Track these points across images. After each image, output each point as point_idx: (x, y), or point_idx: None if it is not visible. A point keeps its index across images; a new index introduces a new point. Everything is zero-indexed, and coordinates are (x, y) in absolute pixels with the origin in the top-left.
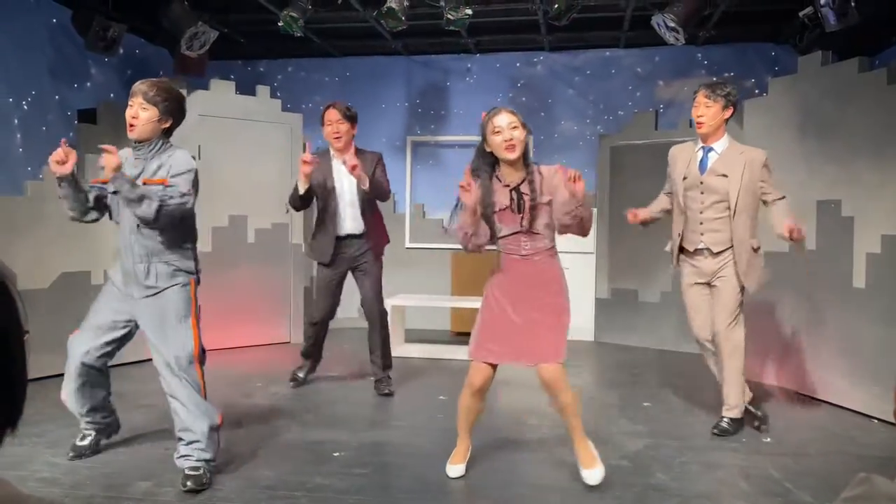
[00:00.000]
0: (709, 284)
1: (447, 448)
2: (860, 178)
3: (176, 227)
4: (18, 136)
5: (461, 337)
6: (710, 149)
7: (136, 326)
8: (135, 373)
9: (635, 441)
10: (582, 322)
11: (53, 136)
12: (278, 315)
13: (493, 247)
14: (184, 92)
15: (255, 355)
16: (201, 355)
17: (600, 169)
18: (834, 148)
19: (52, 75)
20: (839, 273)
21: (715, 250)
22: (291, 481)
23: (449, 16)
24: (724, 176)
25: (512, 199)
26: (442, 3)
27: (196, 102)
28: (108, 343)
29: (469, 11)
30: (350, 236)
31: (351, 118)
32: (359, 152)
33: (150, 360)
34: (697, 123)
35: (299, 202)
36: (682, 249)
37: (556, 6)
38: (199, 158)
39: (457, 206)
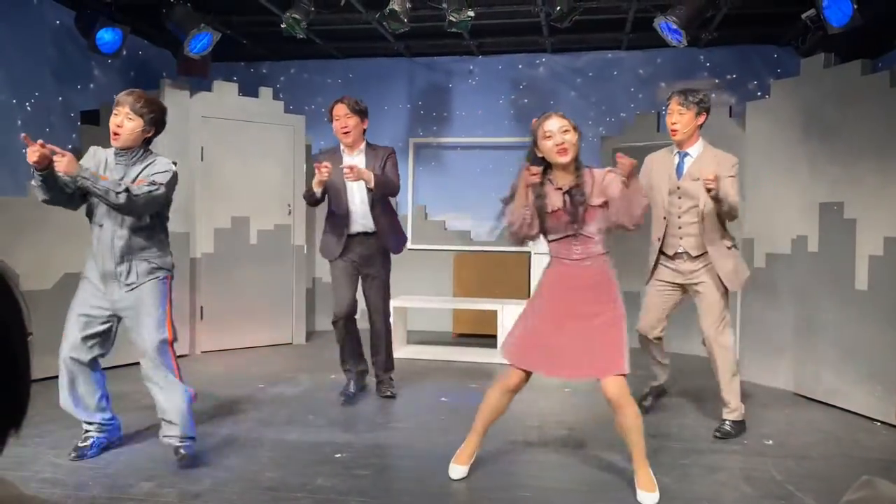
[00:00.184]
0: (683, 287)
1: (449, 449)
2: (862, 180)
3: (154, 226)
4: (21, 137)
5: (463, 338)
6: (686, 154)
7: (118, 321)
8: (134, 374)
9: None
10: None
11: (57, 138)
12: (280, 316)
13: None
14: (187, 93)
15: (257, 356)
16: (174, 341)
17: None
18: (836, 150)
19: (56, 77)
20: (841, 275)
21: (693, 254)
22: (293, 482)
23: (451, 18)
24: (699, 180)
25: (564, 201)
26: (444, 5)
27: (199, 104)
28: (89, 337)
29: (471, 13)
30: (361, 234)
31: (360, 112)
32: (370, 147)
33: None
34: (672, 131)
35: (314, 202)
36: (661, 253)
37: (558, 8)
38: (202, 160)
39: (511, 195)
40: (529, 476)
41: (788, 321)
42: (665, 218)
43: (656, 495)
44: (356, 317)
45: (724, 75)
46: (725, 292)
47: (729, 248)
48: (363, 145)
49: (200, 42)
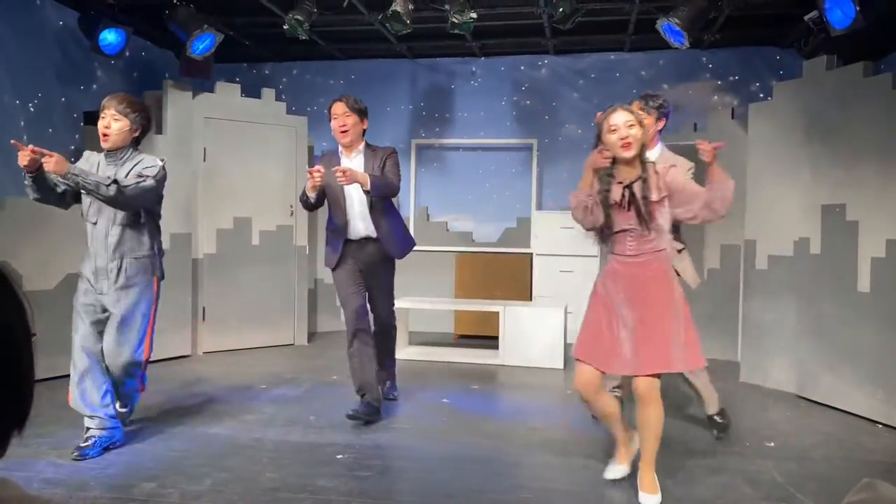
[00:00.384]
0: None
1: (450, 450)
2: (865, 182)
3: (146, 224)
4: (25, 137)
5: (464, 340)
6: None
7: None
8: None
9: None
10: None
11: (59, 138)
12: (282, 317)
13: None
14: (190, 94)
15: (259, 357)
16: (149, 351)
17: None
18: (839, 152)
19: (59, 77)
20: (844, 277)
21: None
22: (295, 483)
23: (454, 19)
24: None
25: (623, 195)
26: (447, 7)
27: (201, 105)
28: (98, 322)
29: (474, 15)
30: (363, 240)
31: (359, 111)
32: (369, 148)
33: (151, 362)
34: None
35: (311, 206)
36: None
37: (561, 10)
38: (205, 161)
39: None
40: (531, 477)
41: (790, 323)
42: None
43: (657, 498)
44: (372, 328)
45: (726, 77)
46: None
47: (679, 251)
48: (362, 146)
49: (203, 43)
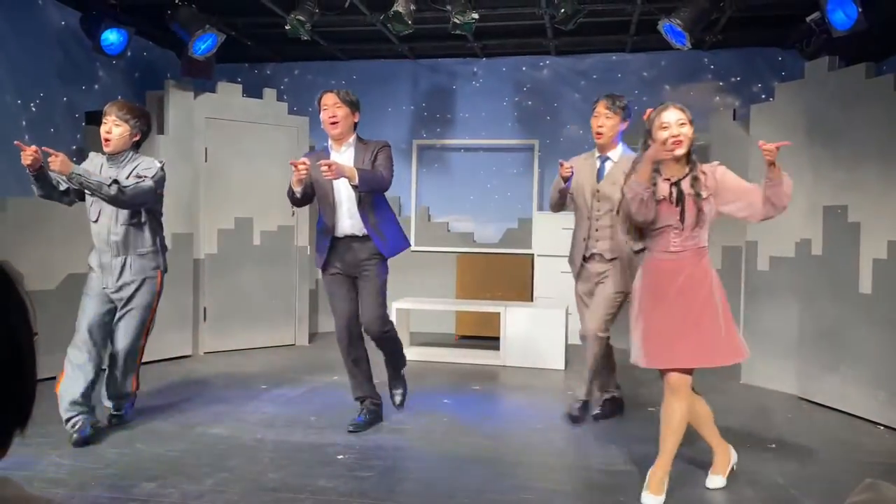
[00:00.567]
0: (595, 286)
1: (451, 451)
2: (867, 183)
3: (147, 223)
4: (26, 137)
5: (465, 340)
6: (607, 158)
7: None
8: None
9: (641, 446)
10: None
11: (61, 138)
12: (283, 317)
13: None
14: (191, 94)
15: (260, 357)
16: (146, 337)
17: None
18: (840, 153)
19: (61, 77)
20: (845, 279)
21: (607, 257)
22: (295, 483)
23: (455, 20)
24: (616, 184)
25: (671, 192)
26: (448, 7)
27: (203, 105)
28: (106, 314)
29: (475, 15)
30: (350, 238)
31: (350, 104)
32: (360, 142)
33: (153, 362)
34: (597, 134)
35: (298, 201)
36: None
37: (563, 10)
38: (206, 161)
39: (633, 169)
40: (532, 478)
41: (792, 325)
42: (588, 220)
43: (659, 500)
44: (363, 331)
45: (728, 78)
46: (623, 296)
47: (637, 252)
48: (352, 139)
49: (205, 43)
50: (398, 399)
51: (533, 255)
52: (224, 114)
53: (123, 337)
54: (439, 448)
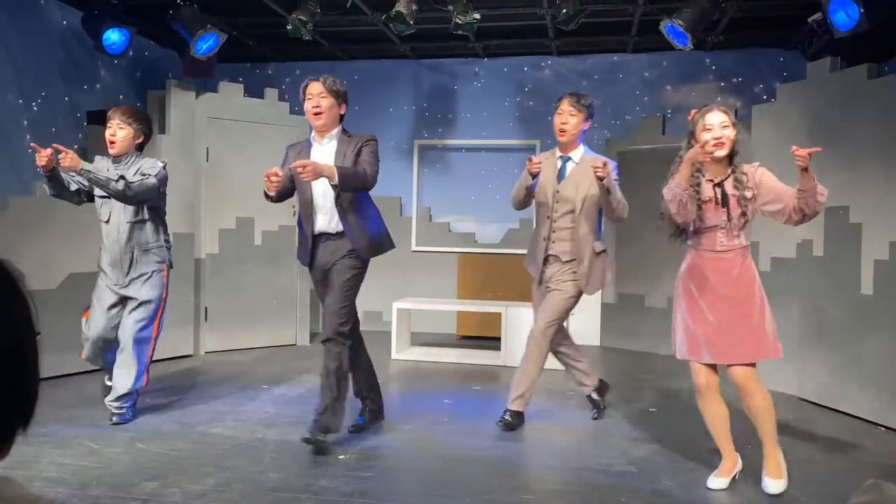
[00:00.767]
0: (548, 287)
1: (452, 451)
2: (868, 184)
3: (152, 220)
4: (28, 136)
5: (466, 340)
6: (569, 158)
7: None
8: None
9: (641, 447)
10: (588, 326)
11: (63, 138)
12: (284, 317)
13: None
14: (193, 94)
15: (261, 357)
16: (159, 331)
17: None
18: (842, 154)
19: (62, 77)
20: (847, 280)
21: (563, 259)
22: (296, 483)
23: (457, 20)
24: (576, 186)
25: (715, 193)
26: (450, 7)
27: (204, 105)
28: (115, 316)
29: (477, 16)
30: (324, 235)
31: (337, 94)
32: (345, 134)
33: (154, 362)
34: (560, 131)
35: (275, 199)
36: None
37: (564, 11)
38: (208, 160)
39: (672, 171)
40: (532, 478)
41: (794, 326)
42: (548, 220)
43: (782, 483)
44: (356, 329)
45: (730, 78)
46: (575, 299)
47: (598, 253)
48: (336, 131)
49: (206, 43)
50: (374, 417)
51: None
52: (225, 114)
53: (133, 327)
54: (440, 448)
